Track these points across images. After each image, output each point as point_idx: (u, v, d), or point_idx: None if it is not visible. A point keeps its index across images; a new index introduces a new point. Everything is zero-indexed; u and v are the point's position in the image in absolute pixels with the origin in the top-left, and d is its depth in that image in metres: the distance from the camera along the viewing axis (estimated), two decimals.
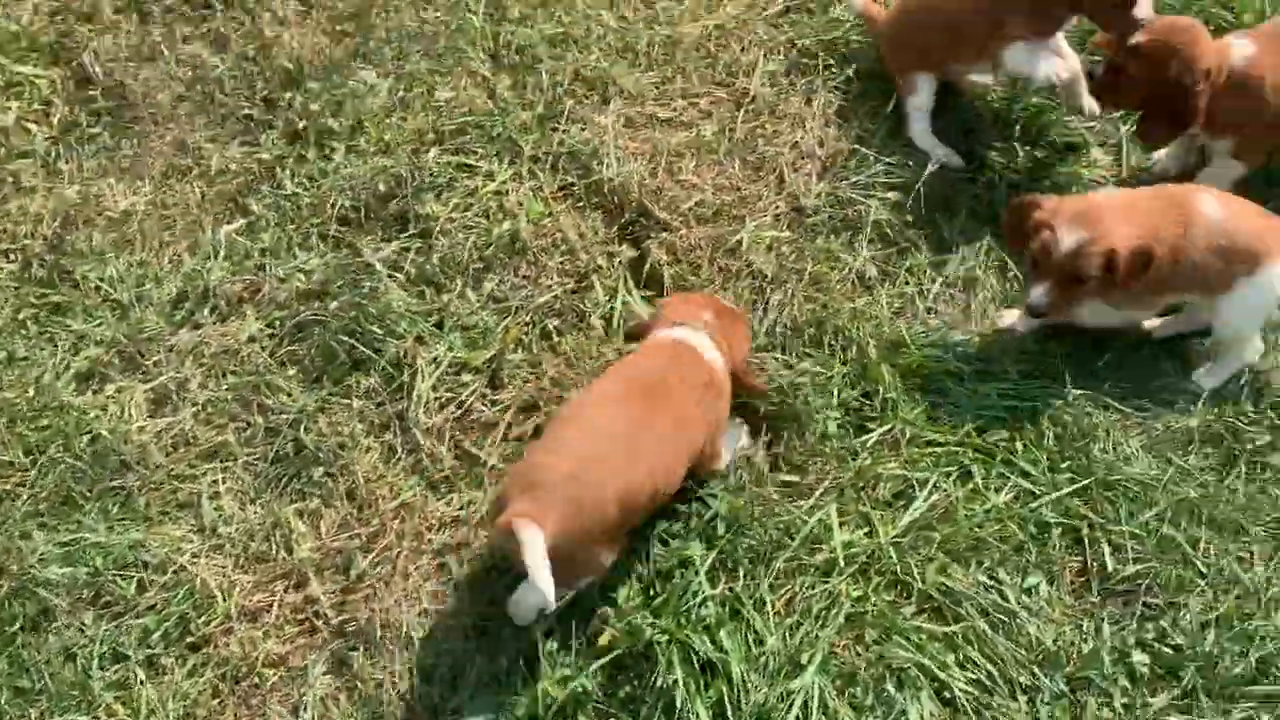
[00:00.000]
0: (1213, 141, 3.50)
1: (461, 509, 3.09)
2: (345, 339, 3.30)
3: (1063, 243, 2.97)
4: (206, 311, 3.44)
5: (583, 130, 3.75)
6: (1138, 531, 3.07)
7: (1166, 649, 2.93)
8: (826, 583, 2.93)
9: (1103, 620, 2.97)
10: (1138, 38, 3.26)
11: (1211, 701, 2.86)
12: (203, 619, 2.93)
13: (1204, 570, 3.04)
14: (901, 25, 3.80)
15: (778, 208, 3.67)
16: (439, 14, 4.03)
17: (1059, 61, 3.52)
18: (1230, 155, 3.47)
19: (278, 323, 3.42)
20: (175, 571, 3.00)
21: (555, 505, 2.52)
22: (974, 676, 2.85)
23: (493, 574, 2.99)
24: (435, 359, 3.27)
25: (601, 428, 2.69)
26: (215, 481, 3.16)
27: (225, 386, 3.31)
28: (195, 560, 3.01)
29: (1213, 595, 3.02)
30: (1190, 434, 3.28)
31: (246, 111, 3.83)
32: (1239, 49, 3.33)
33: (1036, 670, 2.89)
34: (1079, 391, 3.25)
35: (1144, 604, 3.01)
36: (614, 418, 2.71)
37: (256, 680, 2.87)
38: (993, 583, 3.00)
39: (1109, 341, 3.40)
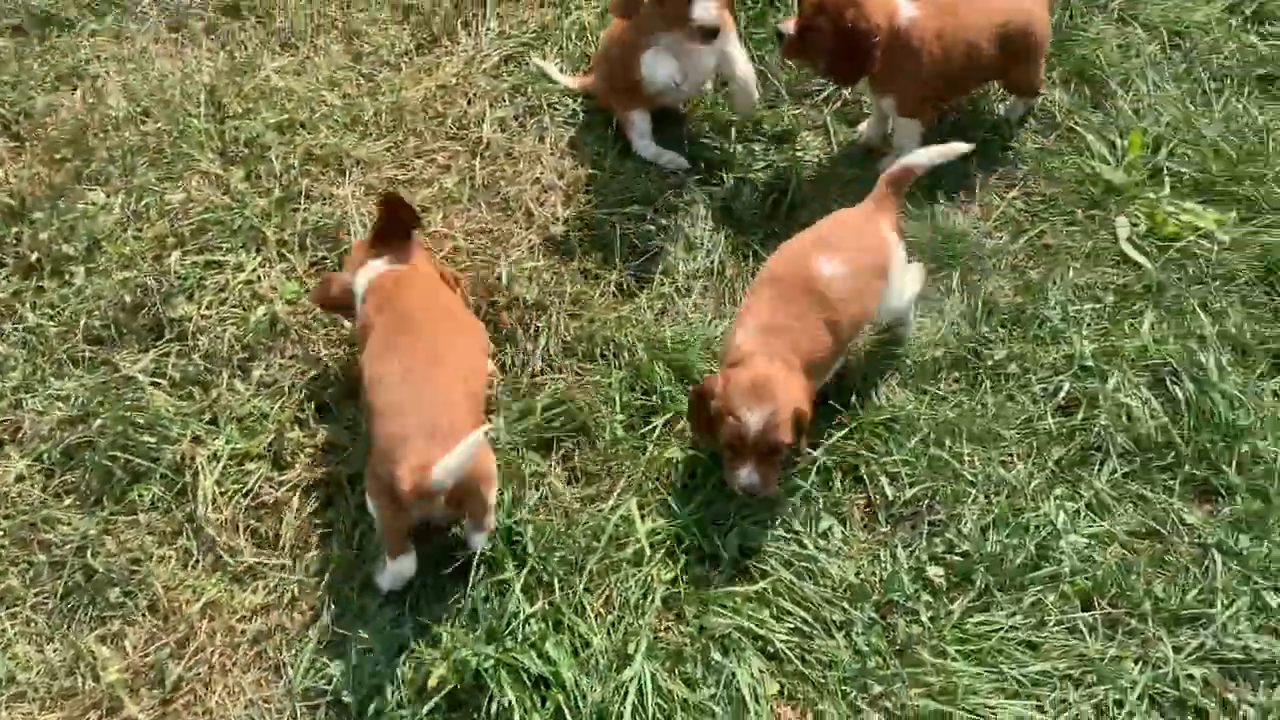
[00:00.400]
0: (880, 100, 3.88)
1: (270, 594, 3.05)
2: (119, 455, 3.23)
3: (750, 425, 2.96)
4: None
5: (324, 206, 3.81)
6: (909, 458, 3.32)
7: (956, 558, 3.17)
8: (639, 573, 3.04)
9: (895, 546, 3.19)
10: None
11: (1004, 594, 3.10)
12: None
13: (973, 480, 3.31)
14: (601, 78, 4.07)
15: (530, 240, 3.81)
16: (159, 124, 4.02)
17: (675, 64, 3.80)
18: (898, 113, 3.85)
19: (45, 456, 3.31)
20: None
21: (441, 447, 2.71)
22: (791, 625, 3.02)
23: (326, 649, 2.97)
24: (215, 454, 3.24)
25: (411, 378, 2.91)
26: (3, 630, 3.02)
27: (0, 532, 3.17)
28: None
29: (986, 500, 3.28)
30: (938, 363, 3.57)
31: None
32: (904, 10, 3.69)
33: (847, 606, 3.08)
34: None
35: (929, 523, 3.25)
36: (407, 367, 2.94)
37: None
38: (791, 535, 3.18)
39: None
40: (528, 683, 2.82)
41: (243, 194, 3.82)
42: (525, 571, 3.01)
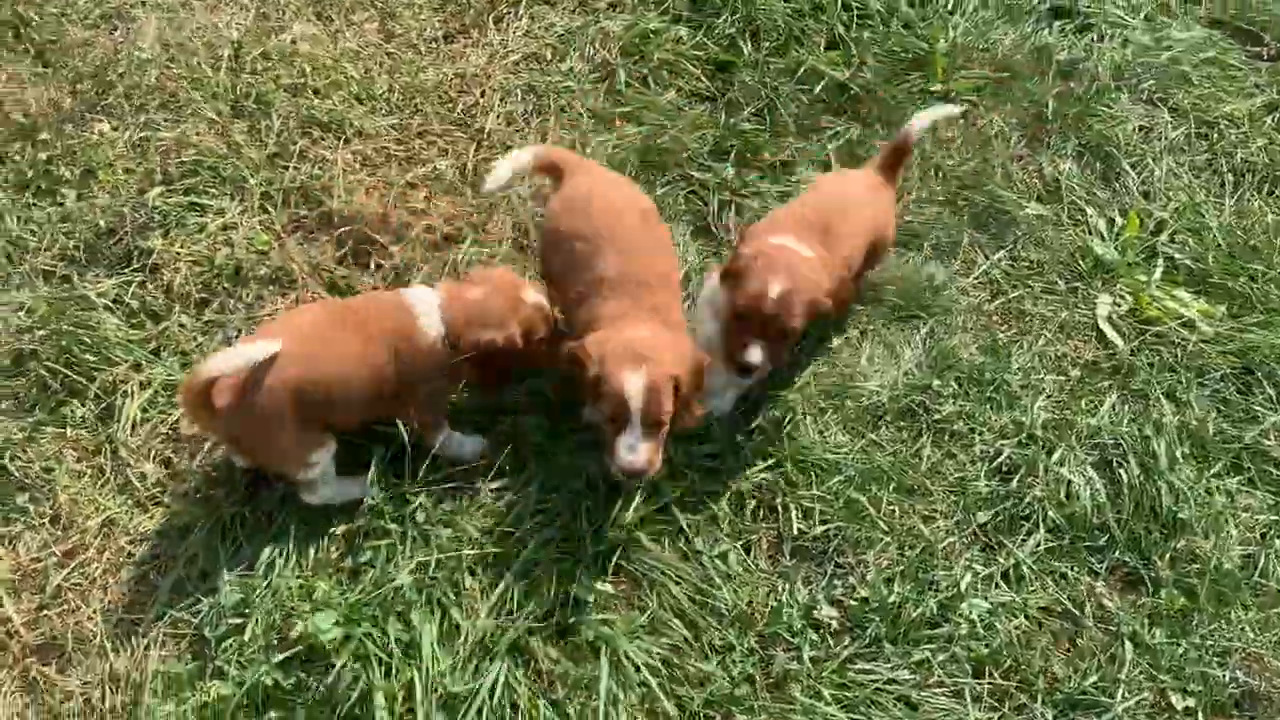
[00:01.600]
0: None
1: (165, 522, 3.10)
2: (59, 369, 3.32)
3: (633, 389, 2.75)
4: None
5: (314, 168, 3.90)
6: (826, 496, 3.24)
7: (854, 602, 3.08)
8: (531, 574, 3.01)
9: (795, 582, 3.11)
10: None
11: (894, 646, 3.00)
12: None
13: (889, 529, 3.22)
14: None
15: (505, 233, 3.84)
16: (179, 70, 4.16)
17: None
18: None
19: None
20: None
21: None
22: (670, 641, 2.95)
23: (191, 579, 3.01)
24: (147, 381, 3.31)
25: None
26: None
27: None
28: None
29: (898, 551, 3.19)
30: (883, 409, 3.49)
31: None
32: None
33: (730, 632, 3.00)
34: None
35: (835, 564, 3.17)
36: None
37: None
38: (691, 552, 3.13)
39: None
40: (382, 653, 2.79)
41: (239, 145, 3.93)
42: (411, 543, 3.00)
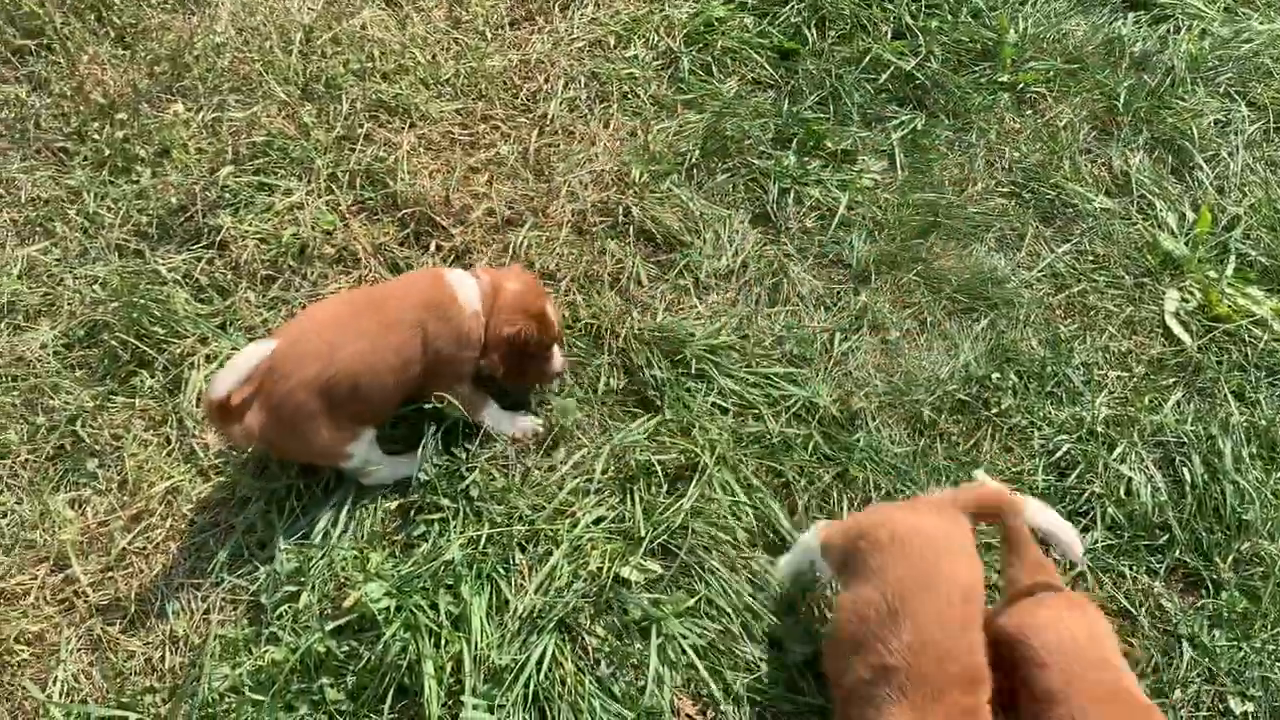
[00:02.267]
0: None
1: (226, 491, 3.18)
2: (130, 340, 3.42)
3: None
4: (2, 324, 3.55)
5: (380, 150, 3.96)
6: (883, 490, 3.22)
7: None
8: (581, 552, 3.03)
9: None
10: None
11: None
12: None
13: None
14: None
15: (565, 215, 3.87)
16: (252, 53, 4.26)
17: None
18: None
19: (70, 331, 3.53)
20: None
21: None
22: (721, 628, 2.96)
23: (250, 547, 3.08)
24: (213, 354, 3.40)
25: None
26: None
27: (14, 391, 3.40)
28: None
29: None
30: (941, 401, 3.46)
31: (60, 144, 4.00)
32: None
33: (784, 623, 3.00)
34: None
35: None
36: None
37: (7, 657, 2.91)
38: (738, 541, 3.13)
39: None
40: (431, 624, 2.84)
41: (308, 127, 4.00)
42: (463, 518, 3.04)
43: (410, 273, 3.50)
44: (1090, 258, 3.85)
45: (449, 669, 2.81)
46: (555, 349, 3.24)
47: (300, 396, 2.82)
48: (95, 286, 3.61)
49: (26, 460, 3.28)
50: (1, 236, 3.80)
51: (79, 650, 2.95)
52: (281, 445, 2.98)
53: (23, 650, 2.93)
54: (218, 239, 3.67)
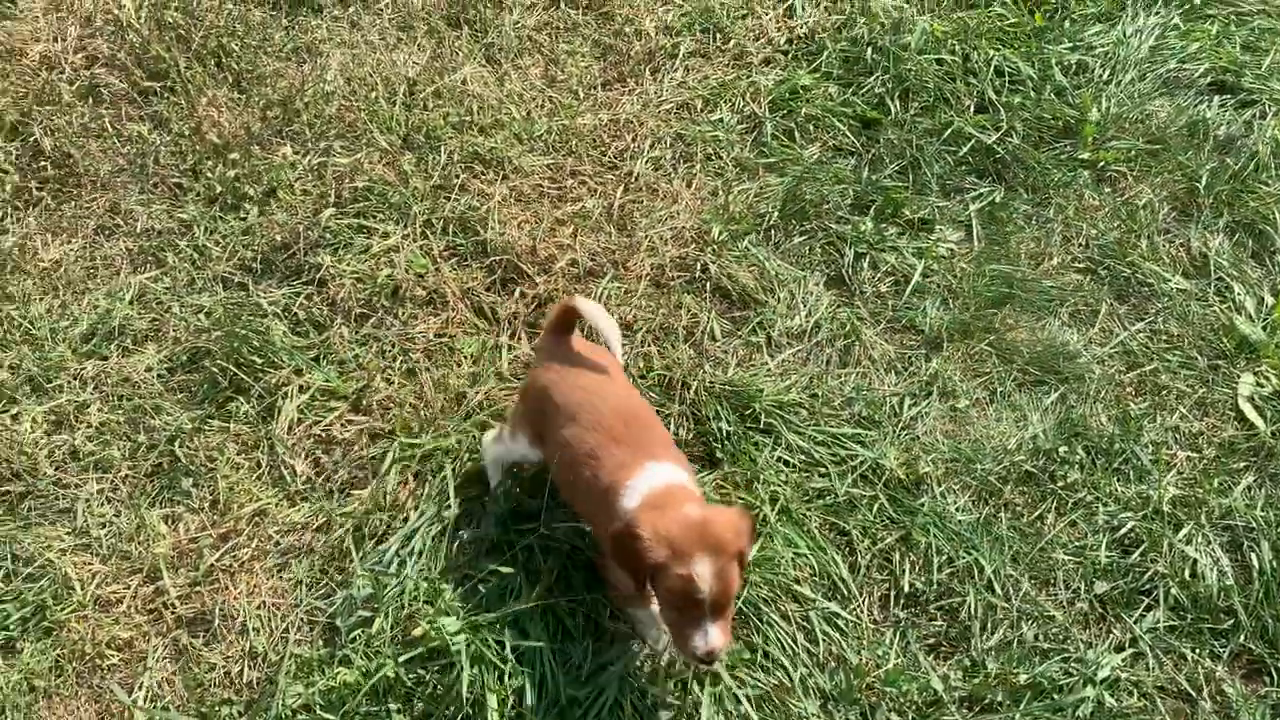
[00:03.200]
0: None
1: (310, 516, 3.34)
2: (229, 368, 3.62)
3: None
4: (113, 346, 3.77)
5: (473, 200, 4.15)
6: (943, 556, 3.26)
7: (965, 665, 3.10)
8: None
9: (909, 639, 3.15)
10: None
11: (1005, 713, 2.99)
12: (60, 607, 3.16)
13: (1004, 595, 3.22)
14: None
15: (644, 270, 4.01)
16: (358, 103, 4.50)
17: None
18: None
19: (174, 356, 3.74)
20: (42, 565, 3.24)
21: None
22: (775, 680, 3.02)
23: (329, 572, 3.23)
24: (305, 385, 3.58)
25: None
26: (95, 491, 3.43)
27: (119, 410, 3.61)
28: (62, 555, 3.26)
29: (1015, 617, 3.18)
30: (1008, 472, 3.49)
31: (175, 180, 4.26)
32: None
33: (836, 678, 3.05)
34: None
35: (947, 624, 3.18)
36: None
37: (98, 660, 3.08)
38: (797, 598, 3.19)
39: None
40: (496, 660, 2.94)
41: (407, 175, 4.21)
42: (531, 554, 3.16)
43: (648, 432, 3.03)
44: (1164, 337, 3.87)
45: (511, 703, 2.91)
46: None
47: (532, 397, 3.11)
48: (200, 315, 3.83)
49: (127, 475, 3.48)
50: (117, 263, 4.05)
51: (164, 659, 3.11)
52: None
53: (113, 655, 3.10)
54: (317, 276, 3.88)
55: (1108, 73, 4.69)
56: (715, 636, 2.58)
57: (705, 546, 2.55)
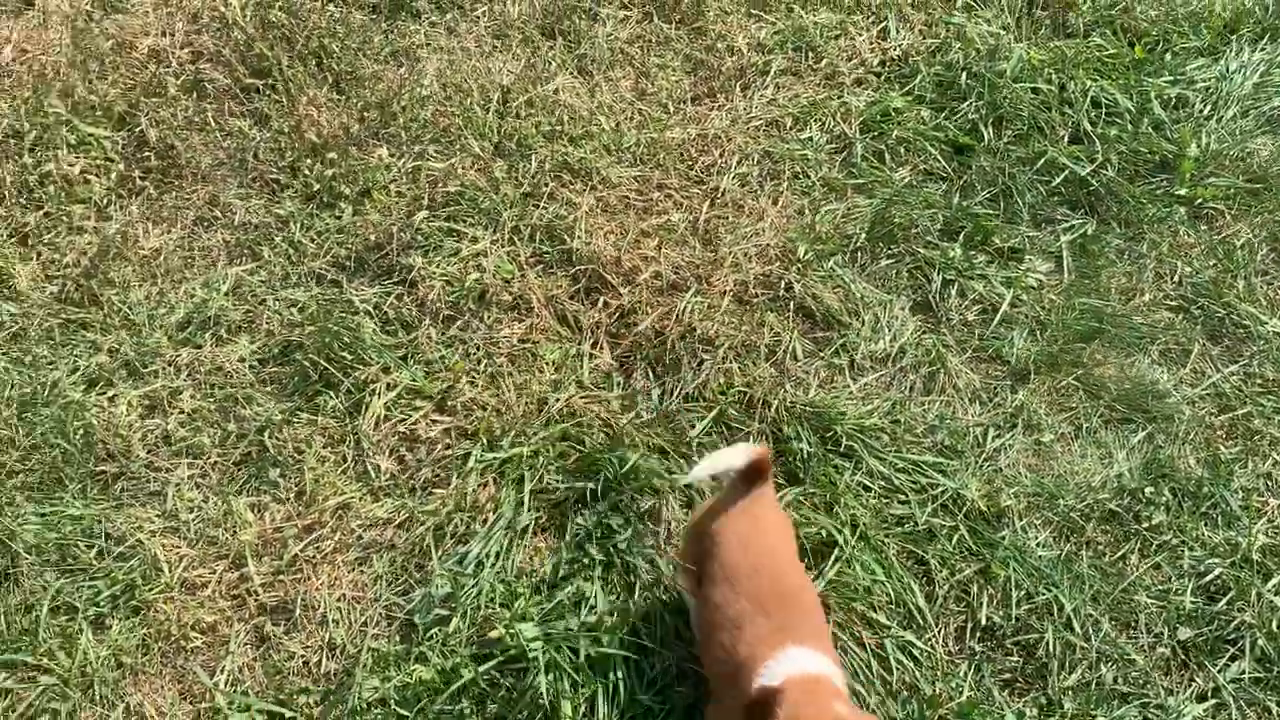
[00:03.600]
0: None
1: (392, 513, 3.39)
2: (320, 362, 3.69)
3: None
4: (207, 335, 3.87)
5: (560, 209, 4.19)
6: (1022, 591, 3.22)
7: (1042, 704, 3.06)
8: None
9: (984, 672, 3.12)
10: None
11: None
12: (148, 587, 3.25)
13: (1084, 636, 3.17)
14: None
15: (727, 286, 4.02)
16: (452, 108, 4.57)
17: None
18: None
19: (266, 348, 3.83)
20: (132, 545, 3.33)
21: None
22: None
23: (409, 569, 3.28)
24: (393, 384, 3.64)
25: None
26: (186, 476, 3.52)
27: (211, 398, 3.71)
28: (152, 537, 3.35)
29: (1094, 658, 3.13)
30: (1091, 510, 3.44)
31: (274, 175, 4.37)
32: None
33: (910, 708, 3.03)
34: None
35: (1024, 661, 3.15)
36: None
37: (183, 642, 3.16)
38: (875, 624, 3.17)
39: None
40: (569, 669, 2.97)
41: (498, 181, 4.27)
42: (609, 568, 3.18)
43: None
44: (1259, 381, 3.79)
45: (583, 709, 2.94)
46: None
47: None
48: (293, 309, 3.91)
49: (216, 462, 3.57)
50: (214, 254, 4.15)
51: (245, 644, 3.18)
52: None
53: (197, 637, 3.18)
54: (408, 277, 3.95)
55: (1209, 108, 4.60)
56: None
57: None
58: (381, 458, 3.52)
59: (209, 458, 3.57)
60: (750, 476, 2.84)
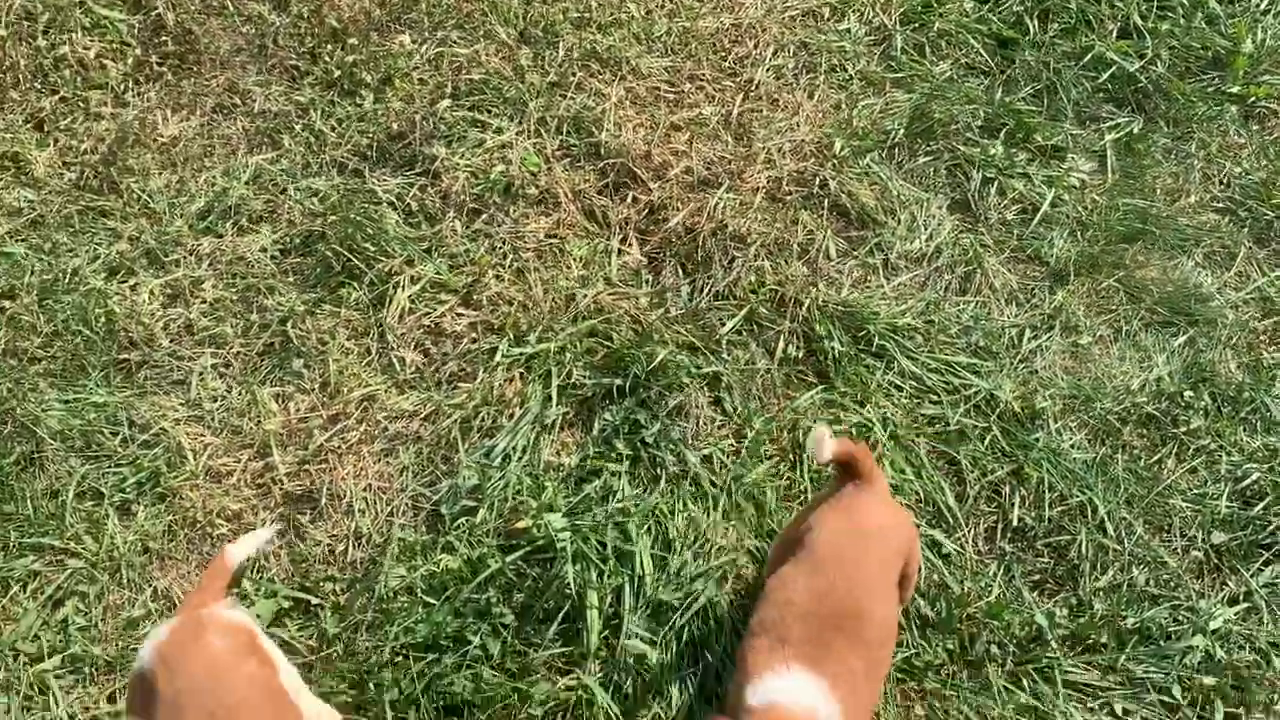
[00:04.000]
0: None
1: (418, 406, 3.36)
2: (343, 253, 3.62)
3: None
4: (228, 224, 3.80)
5: (589, 99, 4.06)
6: (1056, 494, 3.17)
7: (1072, 604, 3.05)
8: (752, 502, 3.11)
9: (1014, 572, 3.09)
10: None
11: (1109, 655, 2.93)
12: (173, 475, 3.24)
13: (1118, 539, 3.13)
14: None
15: (759, 182, 3.91)
16: None
17: None
18: None
19: (287, 237, 3.76)
20: (157, 433, 3.31)
21: None
22: None
23: (435, 460, 3.25)
24: (417, 276, 3.58)
25: None
26: (209, 365, 3.48)
27: (233, 287, 3.65)
28: (176, 425, 3.33)
29: (1127, 560, 3.10)
30: (1129, 413, 3.38)
31: (293, 62, 4.24)
32: None
33: (934, 605, 3.01)
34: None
35: (1055, 563, 3.12)
36: None
37: (209, 529, 3.16)
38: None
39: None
40: (596, 559, 2.95)
41: (524, 70, 4.13)
42: (636, 462, 3.15)
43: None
44: None
45: (609, 600, 2.93)
46: None
47: None
48: (314, 199, 3.83)
49: (239, 353, 3.53)
50: (234, 142, 4.06)
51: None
52: None
53: (223, 525, 3.18)
54: (431, 168, 3.84)
55: (1265, 1, 4.40)
56: None
57: None
58: (406, 350, 3.47)
59: (232, 347, 3.53)
60: (846, 471, 2.62)
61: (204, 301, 3.63)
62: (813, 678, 2.34)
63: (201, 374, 3.46)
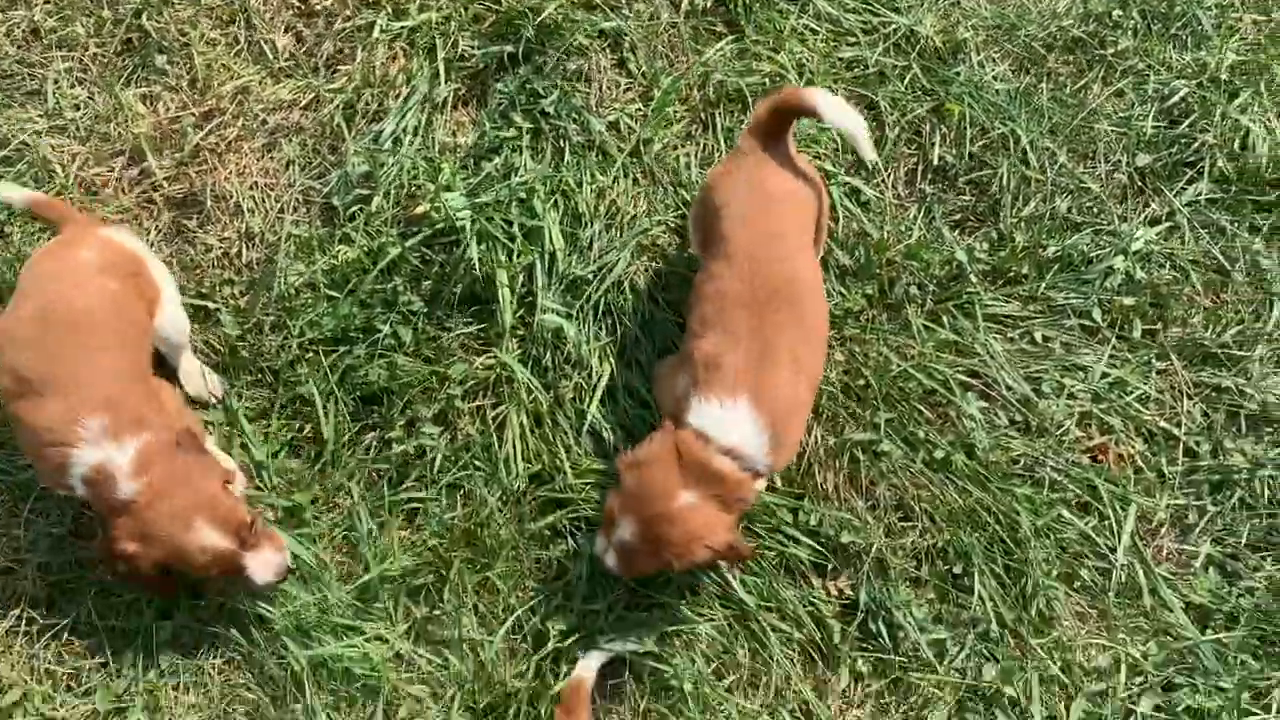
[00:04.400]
0: None
1: (296, 94, 3.10)
2: None
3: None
4: None
5: None
6: (976, 127, 3.04)
7: (991, 240, 2.99)
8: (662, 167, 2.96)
9: (935, 213, 3.01)
10: None
11: (1029, 285, 2.91)
12: (43, 189, 3.00)
13: (1040, 170, 3.03)
14: None
15: None
16: None
17: None
18: None
19: None
20: (18, 148, 3.05)
21: None
22: None
23: (321, 151, 3.04)
24: None
25: None
26: (63, 70, 3.17)
27: None
28: (38, 138, 3.06)
29: (1049, 191, 3.03)
30: (1054, 38, 3.19)
31: None
32: None
33: (857, 252, 2.94)
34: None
35: (974, 199, 3.04)
36: None
37: None
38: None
39: None
40: (503, 238, 2.82)
41: None
42: (537, 135, 2.97)
43: None
44: None
45: (521, 280, 2.83)
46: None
47: None
48: None
49: (95, 54, 3.20)
50: None
51: (159, 242, 3.00)
52: None
53: None
54: None
55: None
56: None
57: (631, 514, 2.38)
58: (277, 35, 3.17)
59: (86, 49, 3.20)
60: (770, 127, 2.48)
61: (47, 1, 3.26)
62: (754, 414, 2.32)
63: (56, 81, 3.15)
